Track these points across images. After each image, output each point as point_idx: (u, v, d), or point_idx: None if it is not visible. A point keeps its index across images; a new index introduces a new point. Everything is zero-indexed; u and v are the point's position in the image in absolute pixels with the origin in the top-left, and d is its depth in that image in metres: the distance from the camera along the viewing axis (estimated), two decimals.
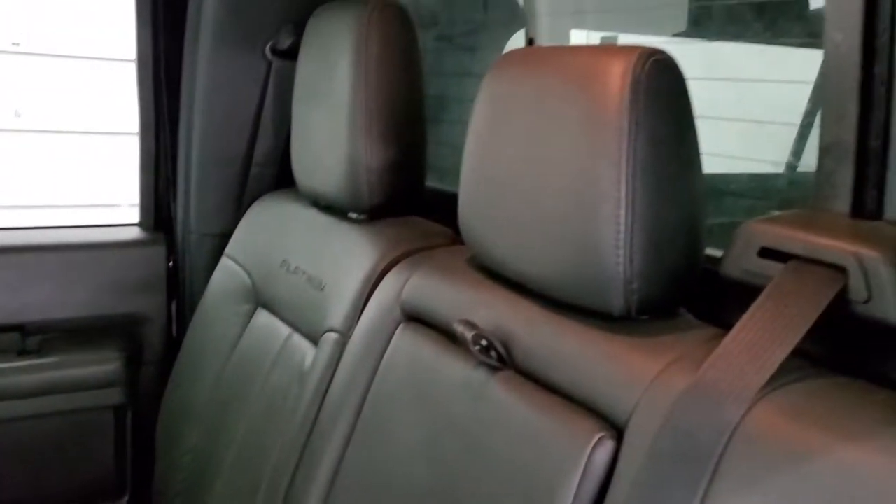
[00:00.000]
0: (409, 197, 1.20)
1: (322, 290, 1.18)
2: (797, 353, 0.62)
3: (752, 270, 0.69)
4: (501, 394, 0.79)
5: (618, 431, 0.68)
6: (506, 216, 0.82)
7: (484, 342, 0.81)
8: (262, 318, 1.34)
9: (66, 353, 1.43)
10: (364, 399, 0.97)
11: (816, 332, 0.62)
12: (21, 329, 1.43)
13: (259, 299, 1.35)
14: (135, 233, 1.56)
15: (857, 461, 0.53)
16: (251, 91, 1.45)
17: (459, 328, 0.81)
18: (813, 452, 0.55)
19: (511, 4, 1.28)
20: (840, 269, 0.63)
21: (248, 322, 1.36)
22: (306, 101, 1.26)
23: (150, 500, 1.45)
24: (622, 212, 0.70)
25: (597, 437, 0.68)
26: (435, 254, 1.03)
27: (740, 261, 0.71)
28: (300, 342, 1.20)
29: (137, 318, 1.52)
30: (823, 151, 0.71)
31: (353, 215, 1.22)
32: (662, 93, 0.71)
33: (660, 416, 0.64)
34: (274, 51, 1.42)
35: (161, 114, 1.50)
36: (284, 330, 1.26)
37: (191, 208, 1.52)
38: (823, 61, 0.71)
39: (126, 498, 1.51)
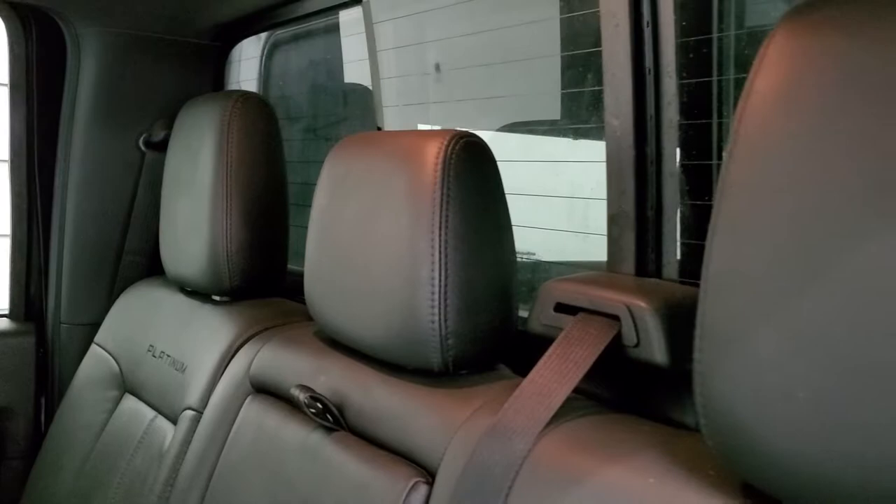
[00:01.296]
0: (271, 279, 1.25)
1: (184, 371, 1.21)
2: (583, 392, 0.69)
3: (549, 324, 0.78)
4: (335, 452, 0.84)
5: (431, 475, 0.74)
6: (343, 287, 0.89)
7: (319, 405, 0.86)
8: (129, 403, 1.34)
9: None
10: (213, 471, 0.99)
11: (598, 374, 0.70)
12: None
13: (126, 385, 1.36)
14: (3, 323, 1.55)
15: (618, 481, 0.60)
16: (125, 181, 1.50)
17: (296, 393, 0.86)
18: (586, 476, 0.62)
19: (367, 99, 1.39)
20: (615, 318, 0.72)
21: (115, 408, 1.36)
22: (173, 189, 1.32)
23: None
24: (436, 275, 0.78)
25: (412, 482, 0.74)
26: (286, 329, 1.08)
27: (540, 316, 0.79)
28: (162, 424, 1.22)
29: (2, 411, 1.50)
30: (610, 221, 0.81)
31: (217, 298, 1.26)
32: (471, 169, 0.80)
33: (465, 456, 0.70)
34: (147, 143, 1.48)
35: (33, 203, 1.52)
36: (149, 413, 1.27)
37: (62, 298, 1.53)
38: (606, 144, 0.82)
39: None
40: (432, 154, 0.80)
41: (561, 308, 0.77)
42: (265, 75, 1.67)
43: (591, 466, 0.62)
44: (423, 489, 0.73)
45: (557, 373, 0.70)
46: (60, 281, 1.53)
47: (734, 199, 0.46)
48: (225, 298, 1.26)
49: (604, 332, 0.71)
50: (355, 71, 1.44)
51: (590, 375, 0.70)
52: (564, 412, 0.68)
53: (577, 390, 0.70)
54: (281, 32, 1.63)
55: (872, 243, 0.40)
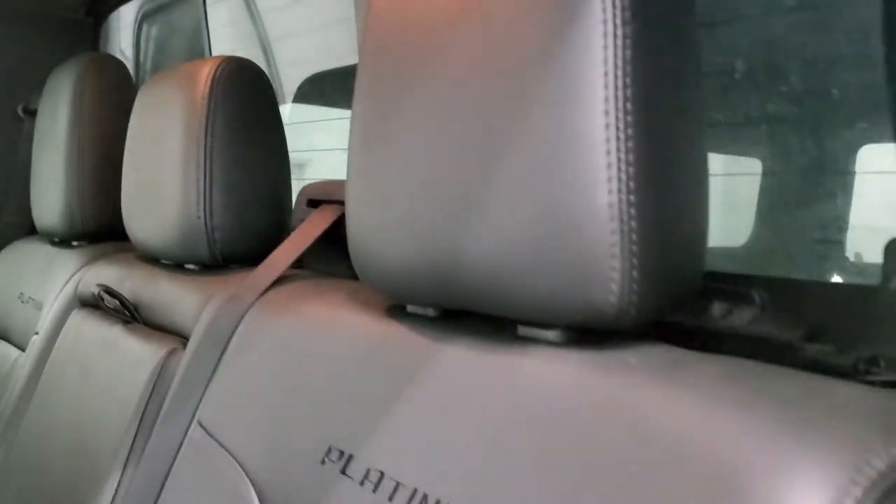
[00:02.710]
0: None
1: (40, 308, 1.31)
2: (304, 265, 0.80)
3: (302, 218, 0.89)
4: (128, 341, 0.95)
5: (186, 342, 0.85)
6: (141, 204, 1.00)
7: (117, 302, 0.96)
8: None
9: None
10: (41, 377, 1.10)
11: (330, 254, 0.81)
12: None
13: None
14: None
15: (315, 312, 0.71)
16: (4, 148, 1.60)
17: (97, 291, 0.97)
18: (297, 314, 0.73)
19: None
20: (341, 203, 0.83)
21: None
22: (39, 147, 1.43)
23: None
24: (202, 177, 0.89)
25: (171, 348, 0.85)
26: (116, 257, 1.19)
27: (297, 212, 0.90)
28: (11, 352, 1.33)
29: None
30: None
31: (75, 243, 1.37)
32: (238, 87, 0.92)
33: (208, 321, 0.81)
34: (25, 110, 1.59)
35: None
36: (14, 352, 1.37)
37: None
38: None
39: None
40: (204, 74, 0.92)
41: (311, 203, 0.89)
42: (139, 41, 1.79)
43: (303, 308, 0.73)
44: (179, 353, 0.84)
45: (288, 251, 0.82)
46: None
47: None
48: (82, 243, 1.36)
49: (330, 215, 0.83)
50: (221, 36, 1.56)
51: (321, 256, 0.81)
52: (288, 280, 0.80)
53: (310, 268, 0.81)
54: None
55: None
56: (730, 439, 0.38)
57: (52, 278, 1.31)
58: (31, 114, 1.59)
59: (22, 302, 1.42)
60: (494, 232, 0.47)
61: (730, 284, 0.58)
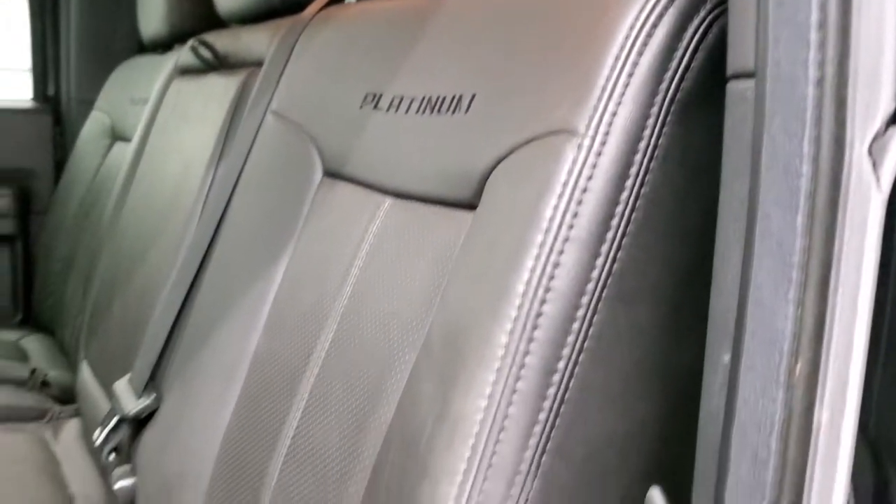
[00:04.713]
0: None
1: (147, 101, 1.52)
2: None
3: None
4: (215, 77, 1.12)
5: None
6: None
7: (208, 53, 1.14)
8: (117, 147, 1.67)
9: None
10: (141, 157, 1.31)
11: None
12: None
13: (115, 134, 1.69)
14: (28, 103, 1.90)
15: (357, 14, 0.86)
16: None
17: (191, 44, 1.15)
18: (336, 22, 0.88)
19: None
20: None
21: (107, 153, 1.69)
22: None
23: (33, 308, 1.77)
24: None
25: (248, 71, 1.02)
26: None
27: None
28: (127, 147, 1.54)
29: (28, 171, 1.86)
30: None
31: (176, 46, 1.56)
32: None
33: (277, 40, 0.97)
34: None
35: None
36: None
37: (71, 81, 1.87)
38: None
39: (19, 317, 1.82)
40: None
41: None
42: None
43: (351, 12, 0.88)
44: (256, 72, 1.01)
45: None
46: (69, 67, 1.86)
47: None
48: (180, 46, 1.55)
49: None
50: None
51: None
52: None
53: None
54: None
55: None
56: None
57: (157, 76, 1.50)
58: None
59: (133, 104, 1.63)
60: None
61: None
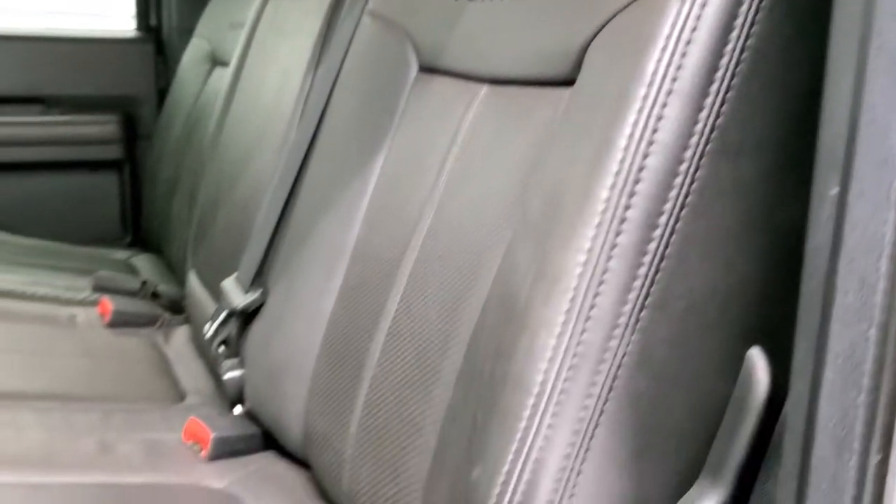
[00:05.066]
0: None
1: (244, 25, 1.55)
2: None
3: None
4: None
5: None
6: None
7: None
8: (216, 72, 1.72)
9: (77, 116, 1.85)
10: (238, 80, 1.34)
11: None
12: (42, 101, 1.85)
13: (215, 59, 1.73)
14: (132, 33, 1.97)
15: None
16: None
17: None
18: None
19: None
20: None
21: (207, 78, 1.74)
22: None
23: (141, 228, 1.86)
24: None
25: None
26: None
27: None
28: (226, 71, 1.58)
29: (132, 98, 1.93)
30: None
31: None
32: None
33: None
34: None
35: None
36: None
37: (172, 11, 1.93)
38: None
39: (129, 238, 1.92)
40: None
41: None
42: None
43: None
44: None
45: None
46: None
47: None
48: None
49: None
50: None
51: None
52: None
53: None
54: None
55: None
56: None
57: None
58: None
59: (231, 28, 1.67)
60: None
61: None
